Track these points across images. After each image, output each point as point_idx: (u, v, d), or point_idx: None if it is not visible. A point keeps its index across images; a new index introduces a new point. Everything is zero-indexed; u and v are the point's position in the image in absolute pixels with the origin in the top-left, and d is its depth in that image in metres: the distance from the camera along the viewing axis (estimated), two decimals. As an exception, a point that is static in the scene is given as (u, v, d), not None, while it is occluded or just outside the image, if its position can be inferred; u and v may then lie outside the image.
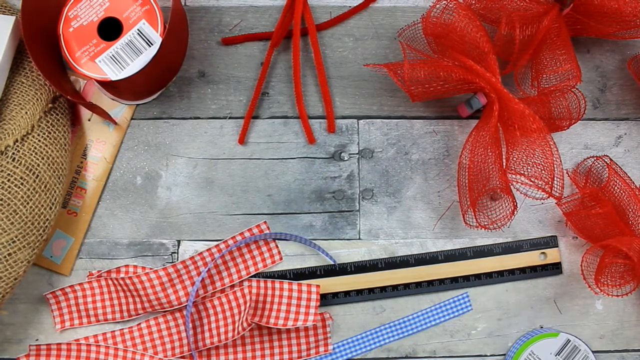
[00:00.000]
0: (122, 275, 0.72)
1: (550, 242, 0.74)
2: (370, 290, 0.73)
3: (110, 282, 0.71)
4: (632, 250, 0.67)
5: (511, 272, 0.74)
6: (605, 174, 0.73)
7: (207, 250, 0.72)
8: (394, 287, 0.73)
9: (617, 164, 0.73)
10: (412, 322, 0.73)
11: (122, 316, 0.71)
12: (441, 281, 0.73)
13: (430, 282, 0.73)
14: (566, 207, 0.72)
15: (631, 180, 0.72)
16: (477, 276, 0.74)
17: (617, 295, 0.68)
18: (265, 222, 0.73)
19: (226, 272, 0.72)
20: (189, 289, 0.71)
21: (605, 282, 0.68)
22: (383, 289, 0.73)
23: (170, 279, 0.70)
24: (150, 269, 0.72)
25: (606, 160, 0.74)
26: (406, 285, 0.73)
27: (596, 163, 0.74)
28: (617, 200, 0.71)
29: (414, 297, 0.73)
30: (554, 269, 0.74)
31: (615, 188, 0.71)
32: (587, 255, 0.70)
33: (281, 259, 0.73)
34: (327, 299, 0.73)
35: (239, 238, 0.72)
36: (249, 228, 0.73)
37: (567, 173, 0.75)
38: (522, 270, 0.74)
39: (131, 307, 0.71)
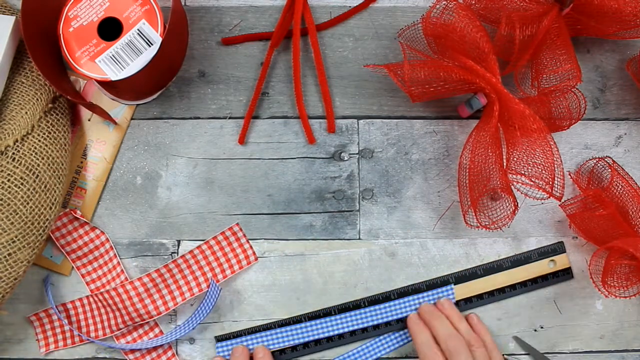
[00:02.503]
0: (103, 289, 0.71)
1: (557, 249, 0.74)
2: (387, 323, 0.73)
3: (91, 299, 0.72)
4: (638, 251, 0.67)
5: (523, 284, 0.74)
6: (607, 175, 0.73)
7: (181, 257, 0.72)
8: None
9: (619, 165, 0.73)
10: (398, 308, 0.73)
11: (104, 333, 0.71)
12: (456, 303, 0.73)
13: None
14: (569, 209, 0.72)
15: (633, 181, 0.72)
16: (490, 293, 0.73)
17: (625, 297, 0.68)
18: (237, 224, 0.73)
19: (202, 277, 0.72)
20: (167, 298, 0.71)
21: (612, 284, 0.68)
22: (400, 320, 0.73)
23: (146, 289, 0.70)
24: (126, 279, 0.72)
25: (608, 161, 0.74)
26: None
27: (598, 164, 0.74)
28: (620, 201, 0.71)
29: None
30: (565, 274, 0.74)
31: (618, 189, 0.71)
32: (595, 258, 0.70)
33: (256, 259, 0.73)
34: (344, 338, 0.73)
35: (212, 242, 0.72)
36: (221, 231, 0.73)
37: (569, 175, 0.75)
38: (534, 280, 0.74)
39: (112, 322, 0.71)
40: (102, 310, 0.71)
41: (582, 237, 0.73)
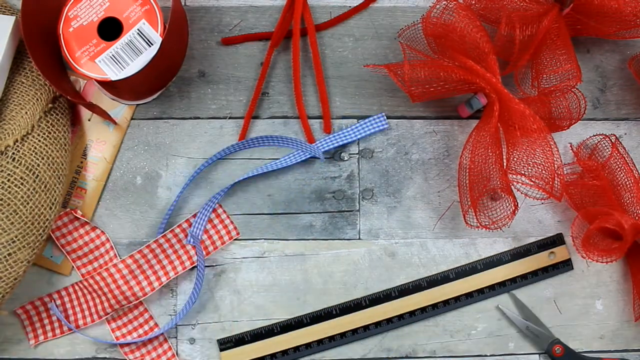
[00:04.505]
0: (88, 276, 0.72)
1: (557, 241, 0.74)
2: (389, 320, 0.73)
3: (77, 287, 0.72)
4: (622, 221, 0.67)
5: (523, 276, 0.74)
6: (609, 152, 0.73)
7: (162, 236, 0.72)
8: (411, 313, 0.73)
9: (623, 146, 0.73)
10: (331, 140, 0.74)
11: (92, 320, 0.71)
12: (456, 299, 0.73)
13: (445, 302, 0.73)
14: (567, 178, 0.73)
15: (634, 164, 0.72)
16: (491, 287, 0.73)
17: (603, 262, 0.68)
18: (219, 204, 0.73)
19: (186, 255, 0.72)
20: (152, 278, 0.71)
21: (592, 249, 0.69)
22: (401, 316, 0.73)
23: (130, 271, 0.71)
24: (111, 260, 0.72)
25: (612, 138, 0.74)
26: (423, 309, 0.73)
27: (602, 142, 0.74)
28: (615, 178, 0.72)
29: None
30: (565, 265, 0.74)
31: (615, 165, 0.72)
32: (577, 220, 0.71)
33: (238, 233, 0.73)
34: (346, 337, 0.73)
35: (192, 220, 0.72)
36: (195, 212, 0.73)
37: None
38: (534, 273, 0.74)
39: (99, 307, 0.71)
40: (89, 297, 0.71)
41: (573, 207, 0.73)
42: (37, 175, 0.68)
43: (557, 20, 0.69)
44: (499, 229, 0.69)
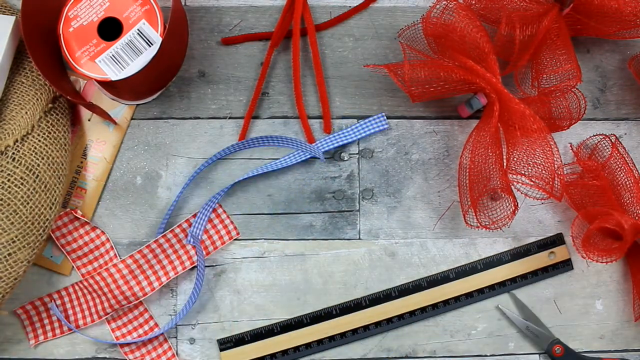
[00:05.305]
0: (88, 275, 0.72)
1: (557, 241, 0.74)
2: (389, 320, 0.73)
3: (77, 287, 0.72)
4: (622, 221, 0.67)
5: (523, 276, 0.74)
6: (609, 152, 0.73)
7: (162, 236, 0.72)
8: (411, 313, 0.73)
9: (623, 146, 0.73)
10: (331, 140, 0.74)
11: (92, 320, 0.71)
12: (456, 299, 0.73)
13: (445, 302, 0.73)
14: (567, 178, 0.73)
15: (634, 163, 0.72)
16: (491, 287, 0.73)
17: (603, 262, 0.68)
18: (218, 204, 0.73)
19: (186, 255, 0.72)
20: (152, 278, 0.71)
21: (592, 249, 0.69)
22: (401, 316, 0.73)
23: (130, 271, 0.71)
24: (111, 260, 0.72)
25: (612, 138, 0.74)
26: (423, 309, 0.73)
27: (602, 142, 0.74)
28: (615, 178, 0.72)
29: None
30: (565, 265, 0.74)
31: (615, 165, 0.72)
32: (577, 221, 0.71)
33: (238, 233, 0.73)
34: (346, 337, 0.73)
35: (192, 220, 0.72)
36: (195, 212, 0.73)
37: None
38: (534, 273, 0.74)
39: (99, 307, 0.71)
40: (89, 297, 0.71)
41: (573, 207, 0.73)
42: (37, 175, 0.68)
43: (557, 20, 0.69)
44: (499, 229, 0.69)
